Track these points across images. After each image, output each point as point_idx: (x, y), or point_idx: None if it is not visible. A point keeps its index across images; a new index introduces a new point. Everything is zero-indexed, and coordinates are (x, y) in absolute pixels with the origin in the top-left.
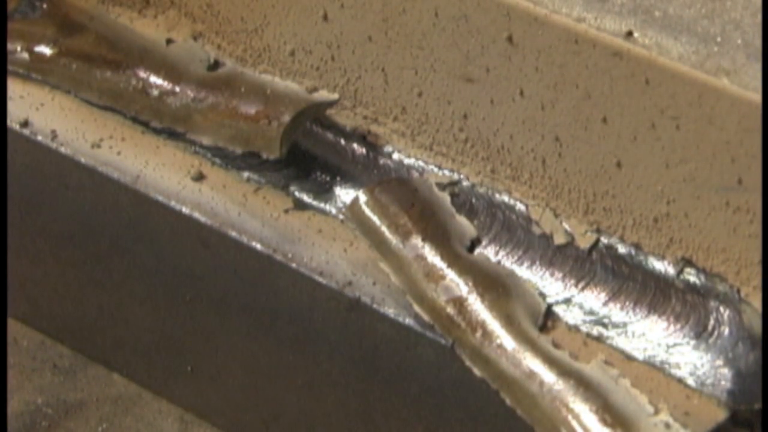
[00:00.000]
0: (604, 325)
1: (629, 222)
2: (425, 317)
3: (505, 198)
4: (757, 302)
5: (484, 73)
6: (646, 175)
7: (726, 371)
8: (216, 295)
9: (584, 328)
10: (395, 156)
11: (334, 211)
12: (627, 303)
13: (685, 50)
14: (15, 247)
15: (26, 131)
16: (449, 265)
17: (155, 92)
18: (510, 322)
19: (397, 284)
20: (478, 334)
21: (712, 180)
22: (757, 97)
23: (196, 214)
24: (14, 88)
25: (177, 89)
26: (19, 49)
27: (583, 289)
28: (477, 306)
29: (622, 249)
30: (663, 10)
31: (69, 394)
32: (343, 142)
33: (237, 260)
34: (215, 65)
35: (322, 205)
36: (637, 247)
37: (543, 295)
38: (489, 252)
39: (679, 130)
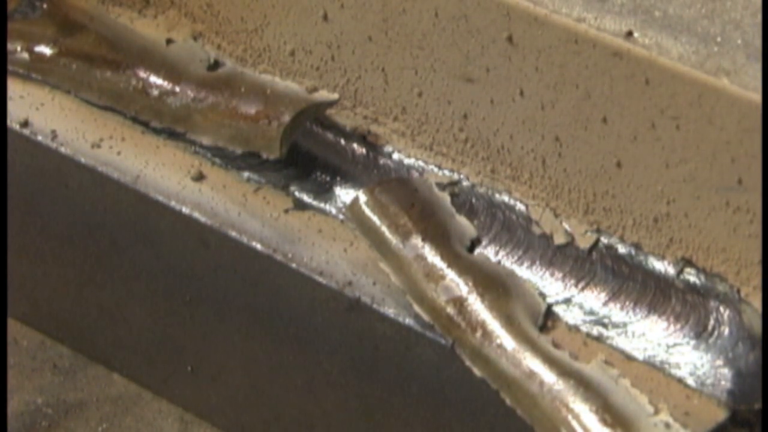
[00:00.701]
0: (604, 325)
1: (629, 222)
2: (425, 317)
3: (505, 198)
4: (757, 302)
5: (484, 73)
6: (646, 175)
7: (726, 371)
8: (216, 295)
9: (584, 328)
10: (395, 156)
11: (334, 211)
12: (627, 303)
13: (685, 50)
14: (15, 247)
15: (26, 131)
16: (449, 265)
17: (155, 92)
18: (510, 322)
19: (397, 284)
20: (478, 334)
21: (712, 180)
22: (757, 97)
23: (196, 214)
24: (14, 88)
25: (177, 89)
26: (19, 49)
27: (583, 289)
28: (477, 306)
29: (622, 249)
30: (663, 10)
31: (69, 394)
32: (343, 142)
33: (237, 260)
34: (215, 65)
35: (322, 205)
36: (637, 247)
37: (543, 295)
38: (489, 252)
39: (679, 130)
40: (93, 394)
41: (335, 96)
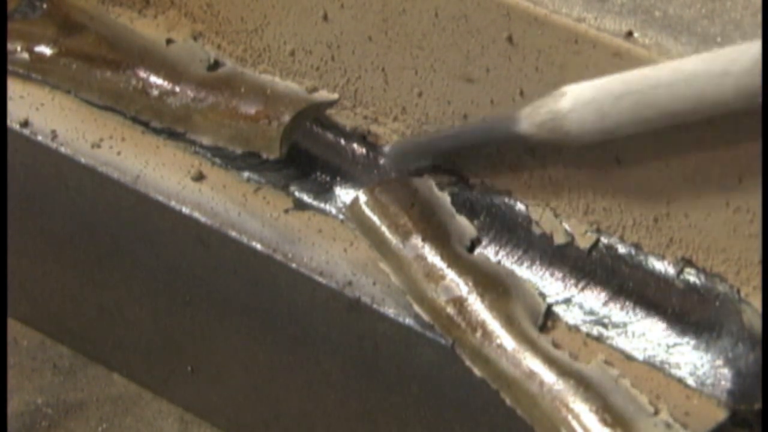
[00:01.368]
0: (604, 325)
1: (629, 222)
2: (425, 317)
3: (505, 198)
4: (757, 302)
5: (484, 73)
6: (646, 175)
7: (726, 371)
8: (216, 295)
9: (584, 328)
10: None
11: (334, 211)
12: (627, 303)
13: (685, 50)
14: (15, 247)
15: (26, 131)
16: (449, 265)
17: (155, 92)
18: (510, 322)
19: (397, 284)
20: (478, 334)
21: (712, 180)
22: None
23: (196, 214)
24: (14, 88)
25: (177, 89)
26: (19, 49)
27: (583, 289)
28: (477, 306)
29: (622, 249)
30: (663, 10)
31: (69, 394)
32: (343, 142)
33: (237, 260)
34: (215, 65)
35: (322, 205)
36: (637, 247)
37: (543, 295)
38: (489, 252)
39: (679, 130)
40: (93, 394)
41: (335, 96)
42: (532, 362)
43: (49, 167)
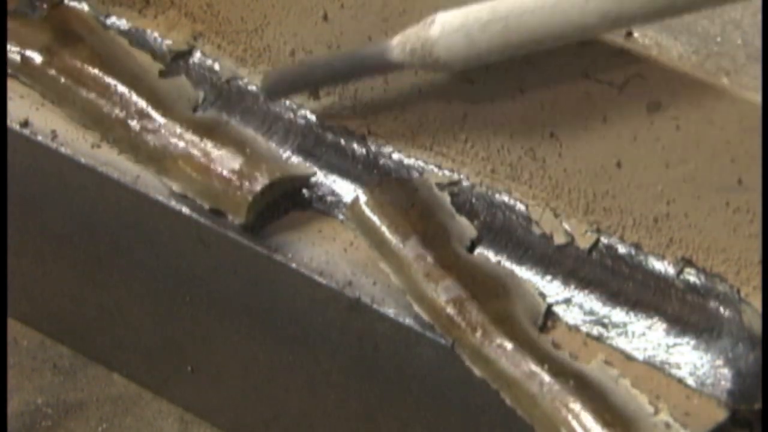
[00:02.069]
0: (604, 325)
1: (629, 222)
2: (425, 317)
3: (505, 198)
4: (757, 302)
5: (483, 73)
6: (646, 175)
7: (726, 371)
8: (216, 295)
9: (584, 328)
10: (395, 156)
11: (334, 211)
12: (627, 303)
13: (685, 50)
14: (15, 247)
15: (26, 131)
16: (449, 265)
17: (136, 126)
18: (510, 322)
19: (397, 284)
20: (478, 334)
21: (712, 180)
22: (757, 97)
23: (196, 214)
24: (14, 88)
25: (157, 127)
26: (11, 48)
27: (583, 289)
28: (477, 306)
29: (622, 249)
30: None
31: (69, 394)
32: (343, 142)
33: (237, 260)
34: (203, 103)
35: (322, 205)
36: (637, 247)
37: (543, 295)
38: (489, 252)
39: (679, 130)
40: (93, 394)
41: (313, 170)
42: (532, 362)
43: (49, 167)
